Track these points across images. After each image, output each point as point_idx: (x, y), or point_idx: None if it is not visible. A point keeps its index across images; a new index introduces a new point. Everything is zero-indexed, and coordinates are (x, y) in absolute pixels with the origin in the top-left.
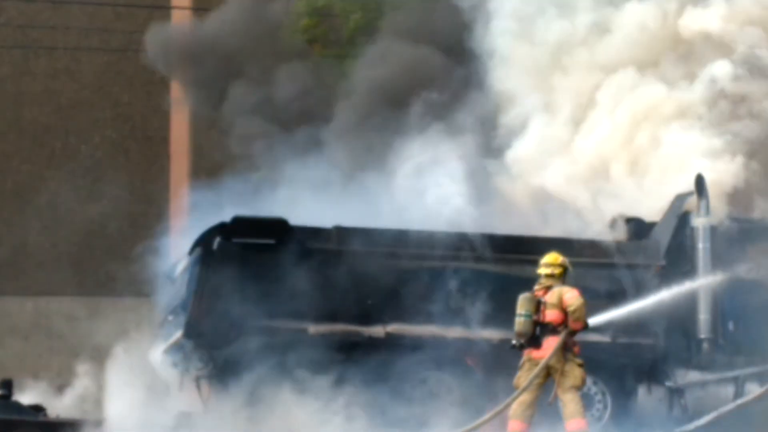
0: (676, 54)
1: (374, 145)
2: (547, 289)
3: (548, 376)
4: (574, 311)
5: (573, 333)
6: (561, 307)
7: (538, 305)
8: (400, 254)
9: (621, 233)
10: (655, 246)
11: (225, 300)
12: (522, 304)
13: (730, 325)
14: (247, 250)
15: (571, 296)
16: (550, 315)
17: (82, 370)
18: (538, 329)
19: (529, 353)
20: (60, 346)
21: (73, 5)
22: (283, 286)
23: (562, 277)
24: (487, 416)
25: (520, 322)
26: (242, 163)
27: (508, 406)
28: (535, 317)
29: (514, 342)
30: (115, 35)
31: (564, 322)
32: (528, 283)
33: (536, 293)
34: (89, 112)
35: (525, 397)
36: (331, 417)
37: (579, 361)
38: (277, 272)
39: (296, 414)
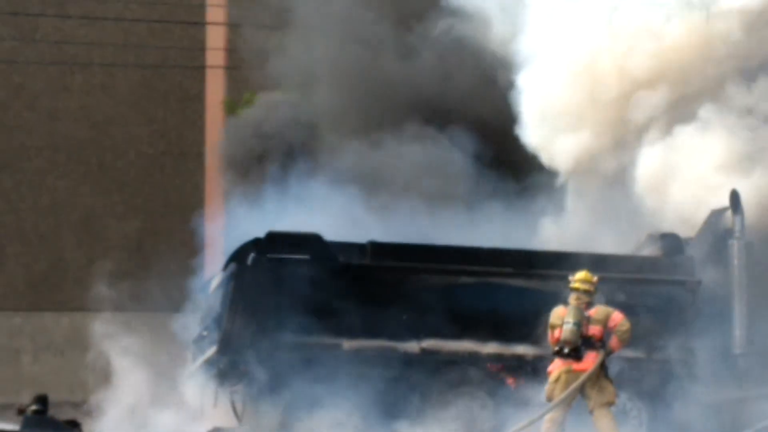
0: None
1: None
2: (587, 305)
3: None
4: (625, 332)
5: (611, 352)
6: (604, 323)
7: (583, 317)
8: (434, 269)
9: (656, 249)
10: (690, 262)
11: (259, 315)
12: (572, 313)
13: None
14: (282, 266)
15: (620, 317)
16: (593, 330)
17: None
18: (580, 341)
19: (569, 365)
20: (95, 361)
21: (108, 22)
22: (317, 302)
23: (595, 294)
24: (520, 425)
25: (569, 329)
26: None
27: (542, 417)
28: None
29: (556, 348)
30: (150, 51)
31: (602, 339)
32: (563, 298)
33: (582, 307)
34: (124, 127)
35: (556, 414)
36: None
37: (611, 378)
38: (312, 287)
39: (330, 430)
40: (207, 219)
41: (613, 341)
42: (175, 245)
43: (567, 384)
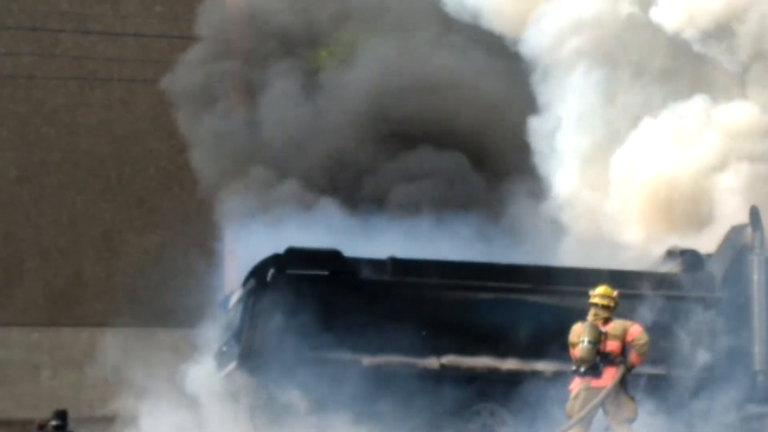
0: None
1: None
2: (605, 320)
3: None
4: (642, 346)
5: (632, 368)
6: (622, 338)
7: (599, 335)
8: (454, 285)
9: (676, 265)
10: (710, 278)
11: (278, 331)
12: (588, 331)
13: None
14: (301, 282)
15: (638, 330)
16: (611, 345)
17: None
18: (597, 358)
19: (588, 382)
20: (115, 377)
21: (128, 37)
22: (337, 318)
23: (615, 309)
24: None
25: (585, 348)
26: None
27: None
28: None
29: (574, 367)
30: (170, 67)
31: (622, 354)
32: (582, 314)
33: (598, 324)
34: (144, 142)
35: (577, 431)
36: None
37: (631, 394)
38: (331, 304)
39: None
40: (226, 234)
41: (633, 356)
42: (195, 260)
43: (586, 401)
